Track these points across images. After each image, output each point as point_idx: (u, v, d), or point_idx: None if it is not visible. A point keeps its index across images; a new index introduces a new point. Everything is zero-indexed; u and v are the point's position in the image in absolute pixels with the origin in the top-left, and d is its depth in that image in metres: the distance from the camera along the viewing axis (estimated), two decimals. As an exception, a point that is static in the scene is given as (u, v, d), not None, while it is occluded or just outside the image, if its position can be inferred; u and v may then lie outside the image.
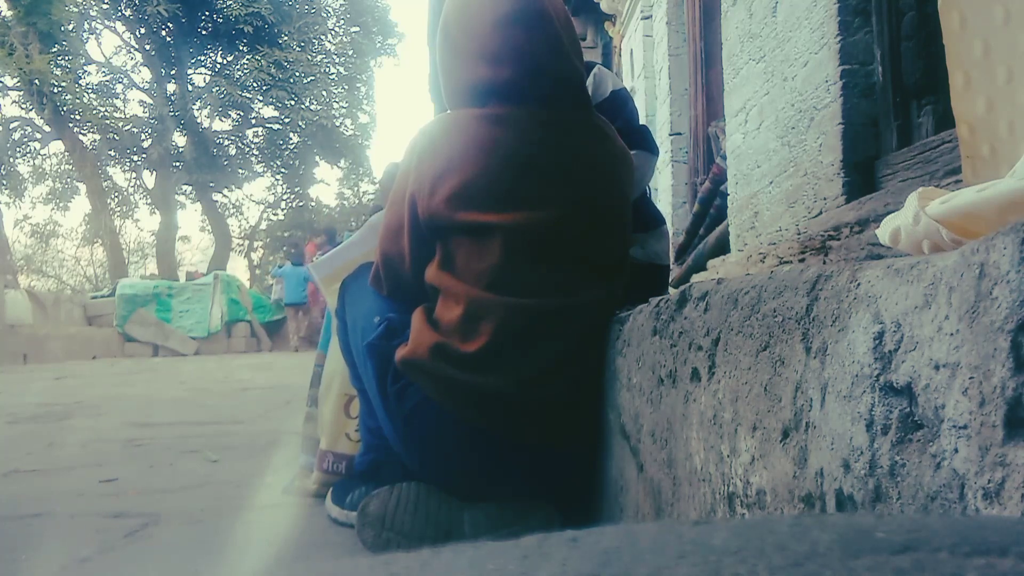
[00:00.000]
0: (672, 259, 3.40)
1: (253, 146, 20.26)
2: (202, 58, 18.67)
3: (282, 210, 22.36)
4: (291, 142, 19.83)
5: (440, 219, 1.25)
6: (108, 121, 16.91)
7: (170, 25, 17.07)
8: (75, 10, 16.10)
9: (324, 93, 19.31)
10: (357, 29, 19.80)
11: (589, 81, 2.00)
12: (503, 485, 1.30)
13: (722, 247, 3.24)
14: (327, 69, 19.43)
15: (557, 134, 1.30)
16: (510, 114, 1.28)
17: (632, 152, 1.95)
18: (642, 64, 6.00)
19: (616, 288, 1.31)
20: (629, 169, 1.42)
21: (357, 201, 23.16)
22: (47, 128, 16.97)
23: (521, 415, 1.25)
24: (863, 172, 1.89)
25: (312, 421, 1.80)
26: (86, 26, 17.44)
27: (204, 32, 17.79)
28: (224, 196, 21.47)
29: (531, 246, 1.24)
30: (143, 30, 17.40)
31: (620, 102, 2.01)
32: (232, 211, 22.47)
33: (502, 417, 1.24)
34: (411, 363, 1.25)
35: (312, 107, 18.83)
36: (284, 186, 21.83)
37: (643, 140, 1.97)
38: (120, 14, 17.46)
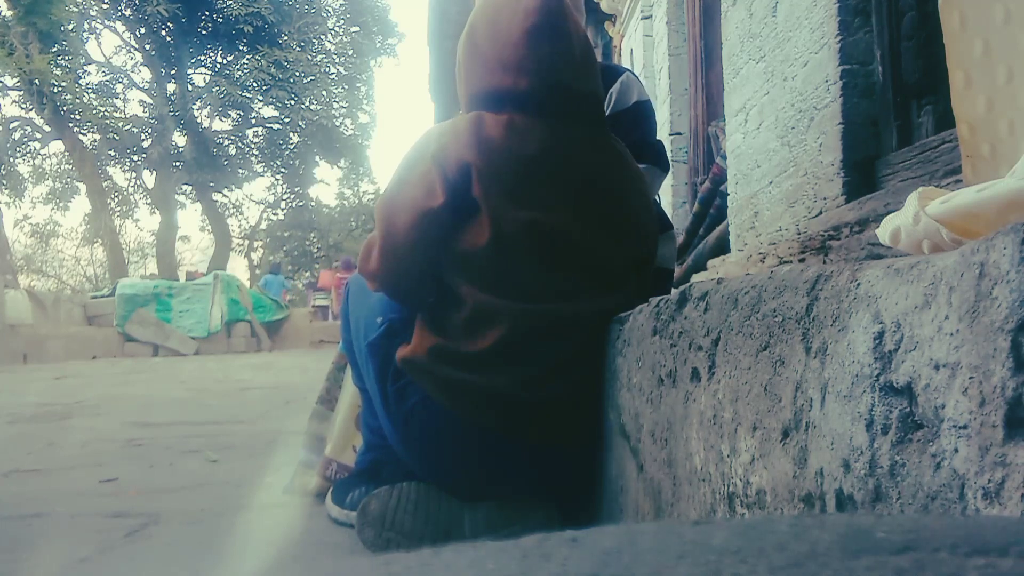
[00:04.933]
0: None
1: (253, 146, 20.25)
2: (202, 58, 18.66)
3: (282, 210, 22.38)
4: (291, 142, 19.83)
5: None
6: (108, 121, 16.89)
7: (170, 25, 17.06)
8: (75, 10, 16.08)
9: (324, 93, 19.30)
10: (357, 29, 19.79)
11: (616, 87, 1.98)
12: (503, 485, 1.30)
13: (722, 247, 3.24)
14: (327, 69, 19.42)
15: (568, 147, 1.31)
16: (524, 123, 1.29)
17: (642, 167, 1.95)
18: (642, 64, 6.00)
19: (622, 299, 1.31)
20: (641, 188, 1.43)
21: (357, 201, 23.19)
22: (47, 128, 16.95)
23: (522, 415, 1.25)
24: (863, 172, 1.89)
25: (317, 418, 1.79)
26: (86, 26, 17.43)
27: (204, 32, 17.78)
28: (224, 196, 21.49)
29: (537, 249, 1.25)
30: (143, 30, 17.39)
31: (642, 115, 2.00)
32: (232, 211, 22.51)
33: (502, 417, 1.24)
34: (412, 362, 1.26)
35: (312, 107, 18.82)
36: (284, 186, 21.85)
37: (656, 157, 1.96)
38: (120, 14, 17.45)
